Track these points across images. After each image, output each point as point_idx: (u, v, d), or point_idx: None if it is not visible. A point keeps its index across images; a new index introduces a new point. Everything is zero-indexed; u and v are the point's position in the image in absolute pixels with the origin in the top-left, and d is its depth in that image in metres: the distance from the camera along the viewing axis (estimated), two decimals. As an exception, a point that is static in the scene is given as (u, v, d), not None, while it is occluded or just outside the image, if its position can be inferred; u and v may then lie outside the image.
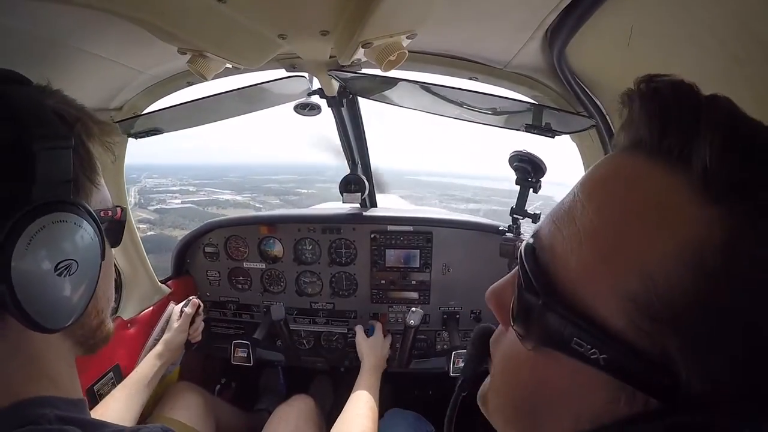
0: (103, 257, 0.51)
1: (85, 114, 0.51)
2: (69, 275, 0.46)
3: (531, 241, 0.34)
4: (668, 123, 0.28)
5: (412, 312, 1.44)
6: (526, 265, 0.32)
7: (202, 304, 1.45)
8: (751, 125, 0.27)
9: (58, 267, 0.45)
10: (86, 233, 0.47)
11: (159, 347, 1.29)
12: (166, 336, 1.33)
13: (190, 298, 1.44)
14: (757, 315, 0.23)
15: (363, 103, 1.44)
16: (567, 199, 0.33)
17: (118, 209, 0.56)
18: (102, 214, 0.52)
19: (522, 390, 0.34)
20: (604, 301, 0.27)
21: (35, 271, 0.43)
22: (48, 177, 0.44)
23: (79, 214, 0.47)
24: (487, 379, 0.40)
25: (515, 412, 0.35)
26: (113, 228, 0.55)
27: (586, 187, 0.32)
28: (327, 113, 1.40)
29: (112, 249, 0.57)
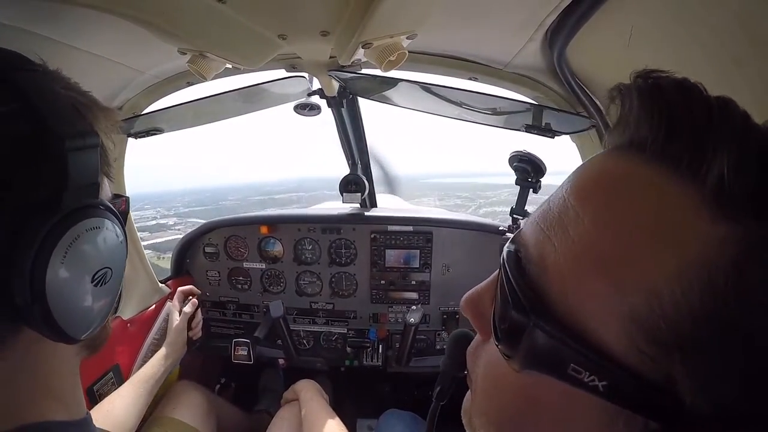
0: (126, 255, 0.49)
1: (92, 100, 0.47)
2: (105, 284, 0.43)
3: (513, 248, 0.30)
4: (675, 126, 0.25)
5: (413, 310, 1.45)
6: (512, 279, 0.28)
7: (197, 302, 1.42)
8: (764, 134, 0.24)
9: (95, 278, 0.42)
10: (116, 236, 0.45)
11: (164, 350, 1.28)
12: (169, 338, 1.31)
13: (189, 297, 1.43)
14: (766, 339, 0.22)
15: (366, 103, 1.44)
16: (555, 203, 0.29)
17: (122, 200, 0.53)
18: None
19: (508, 411, 0.31)
20: (604, 323, 0.25)
21: (72, 285, 0.40)
22: (78, 180, 0.40)
23: (108, 217, 0.44)
24: (468, 395, 0.37)
25: None
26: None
27: (578, 190, 0.28)
28: (327, 113, 1.40)
29: None
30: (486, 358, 0.34)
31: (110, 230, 0.44)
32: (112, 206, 0.46)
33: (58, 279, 0.39)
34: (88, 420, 0.51)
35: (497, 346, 0.30)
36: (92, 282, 0.42)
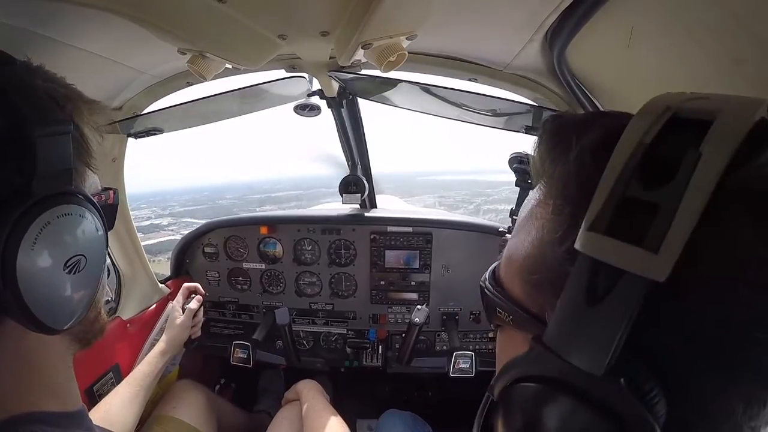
0: (107, 247, 0.49)
1: (74, 93, 0.48)
2: (78, 272, 0.43)
3: (495, 265, 0.44)
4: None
5: (418, 309, 1.44)
6: (487, 274, 0.43)
7: (202, 299, 1.43)
8: (567, 134, 0.33)
9: (67, 264, 0.42)
10: (91, 225, 0.45)
11: (162, 345, 1.25)
12: (169, 333, 1.29)
13: (192, 294, 1.42)
14: (581, 277, 0.29)
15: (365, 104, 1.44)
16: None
17: (110, 192, 0.54)
18: (95, 198, 0.48)
19: (500, 365, 0.42)
20: (512, 279, 0.37)
21: (43, 271, 0.40)
22: (48, 167, 0.40)
23: (82, 205, 0.44)
24: None
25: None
26: (107, 213, 0.52)
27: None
28: (327, 114, 1.40)
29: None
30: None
31: (85, 218, 0.44)
32: (89, 195, 0.45)
33: (29, 265, 0.39)
34: (83, 412, 0.50)
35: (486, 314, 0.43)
36: (65, 269, 0.42)
